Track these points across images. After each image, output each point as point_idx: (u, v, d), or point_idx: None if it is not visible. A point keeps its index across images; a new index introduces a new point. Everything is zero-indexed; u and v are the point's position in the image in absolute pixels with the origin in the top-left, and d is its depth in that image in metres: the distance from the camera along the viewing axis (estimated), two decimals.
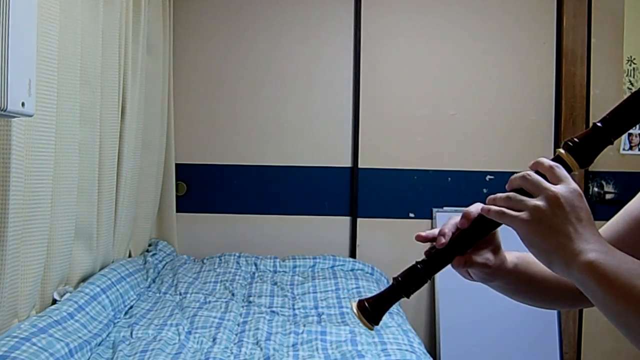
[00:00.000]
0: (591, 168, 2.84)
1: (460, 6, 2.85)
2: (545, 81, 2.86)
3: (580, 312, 2.85)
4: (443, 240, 0.75)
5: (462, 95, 2.86)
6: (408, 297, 0.76)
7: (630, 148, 2.85)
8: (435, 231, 0.77)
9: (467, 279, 0.80)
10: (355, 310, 0.76)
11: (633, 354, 2.76)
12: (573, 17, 2.82)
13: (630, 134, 2.85)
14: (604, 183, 2.84)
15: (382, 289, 0.78)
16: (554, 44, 2.85)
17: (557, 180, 0.66)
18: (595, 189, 2.84)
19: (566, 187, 0.65)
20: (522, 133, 2.85)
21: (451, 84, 2.86)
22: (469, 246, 0.75)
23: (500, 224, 0.71)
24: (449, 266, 0.76)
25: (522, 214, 0.66)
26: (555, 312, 2.74)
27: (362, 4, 2.84)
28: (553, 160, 0.69)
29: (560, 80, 2.84)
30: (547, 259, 0.66)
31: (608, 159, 2.84)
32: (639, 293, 0.59)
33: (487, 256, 0.76)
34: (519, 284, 0.82)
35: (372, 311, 0.75)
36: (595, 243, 0.63)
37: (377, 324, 0.76)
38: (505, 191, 0.70)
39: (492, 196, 0.71)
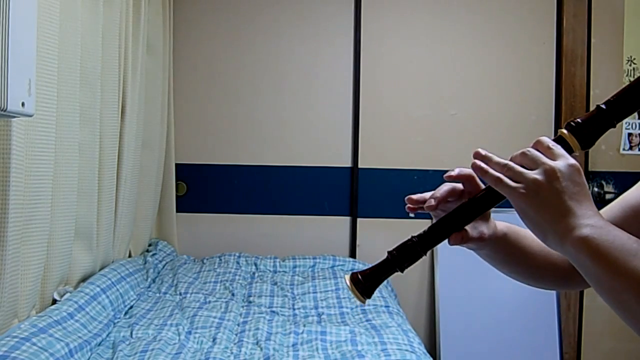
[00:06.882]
0: (591, 168, 2.84)
1: (460, 6, 2.85)
2: (545, 81, 2.86)
3: (580, 312, 2.85)
4: (433, 203, 0.75)
5: (462, 95, 2.86)
6: (402, 272, 0.74)
7: (630, 148, 2.85)
8: (427, 195, 0.76)
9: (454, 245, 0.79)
10: (348, 283, 0.75)
11: (633, 354, 2.76)
12: (573, 17, 2.82)
13: (630, 134, 2.85)
14: (604, 183, 2.84)
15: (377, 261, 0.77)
16: (554, 44, 2.85)
17: (555, 157, 0.66)
18: (595, 189, 2.84)
19: (564, 162, 0.65)
20: (522, 133, 2.85)
21: (451, 84, 2.86)
22: (466, 222, 0.74)
23: (499, 201, 0.71)
24: (445, 243, 0.75)
25: (519, 186, 0.66)
26: (555, 311, 2.74)
27: (362, 4, 2.84)
28: (555, 139, 0.69)
29: (560, 80, 2.84)
30: (542, 233, 0.66)
31: (608, 159, 2.84)
32: (632, 269, 0.58)
33: (481, 229, 0.77)
34: (507, 254, 0.82)
35: (365, 284, 0.74)
36: (591, 218, 0.63)
37: (370, 297, 0.75)
38: None
39: (484, 153, 0.70)
